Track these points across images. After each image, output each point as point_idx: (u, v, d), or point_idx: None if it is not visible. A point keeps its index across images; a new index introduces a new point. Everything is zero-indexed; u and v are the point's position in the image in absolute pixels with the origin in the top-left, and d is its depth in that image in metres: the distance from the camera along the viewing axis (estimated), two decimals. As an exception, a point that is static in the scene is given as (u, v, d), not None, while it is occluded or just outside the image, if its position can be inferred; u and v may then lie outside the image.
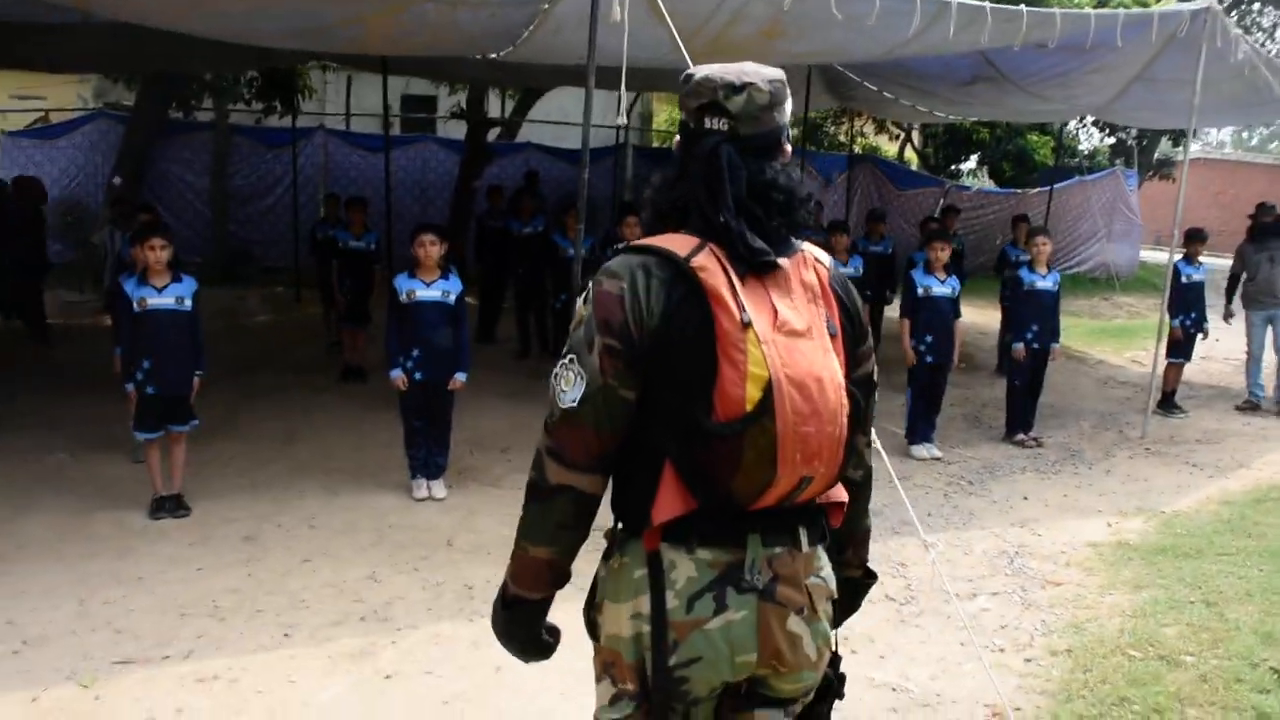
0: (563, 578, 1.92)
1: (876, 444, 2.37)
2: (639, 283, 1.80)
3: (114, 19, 5.96)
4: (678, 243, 1.83)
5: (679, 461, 1.80)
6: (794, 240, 1.91)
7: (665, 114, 22.81)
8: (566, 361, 1.83)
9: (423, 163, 15.58)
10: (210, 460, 6.28)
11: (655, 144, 20.69)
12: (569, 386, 1.81)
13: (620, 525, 1.91)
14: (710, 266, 1.79)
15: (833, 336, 1.87)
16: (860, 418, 1.94)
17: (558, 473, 1.82)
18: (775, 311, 1.80)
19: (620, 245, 1.95)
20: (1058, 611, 4.59)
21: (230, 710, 3.52)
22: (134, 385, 5.40)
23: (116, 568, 4.74)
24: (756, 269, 1.82)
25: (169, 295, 5.44)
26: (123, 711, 3.48)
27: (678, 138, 1.97)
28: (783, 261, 1.85)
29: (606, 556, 1.94)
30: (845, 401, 1.84)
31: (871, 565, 2.22)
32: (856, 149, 18.97)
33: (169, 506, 5.48)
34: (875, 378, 2.06)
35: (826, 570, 1.95)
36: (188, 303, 5.50)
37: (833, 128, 20.07)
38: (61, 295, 11.25)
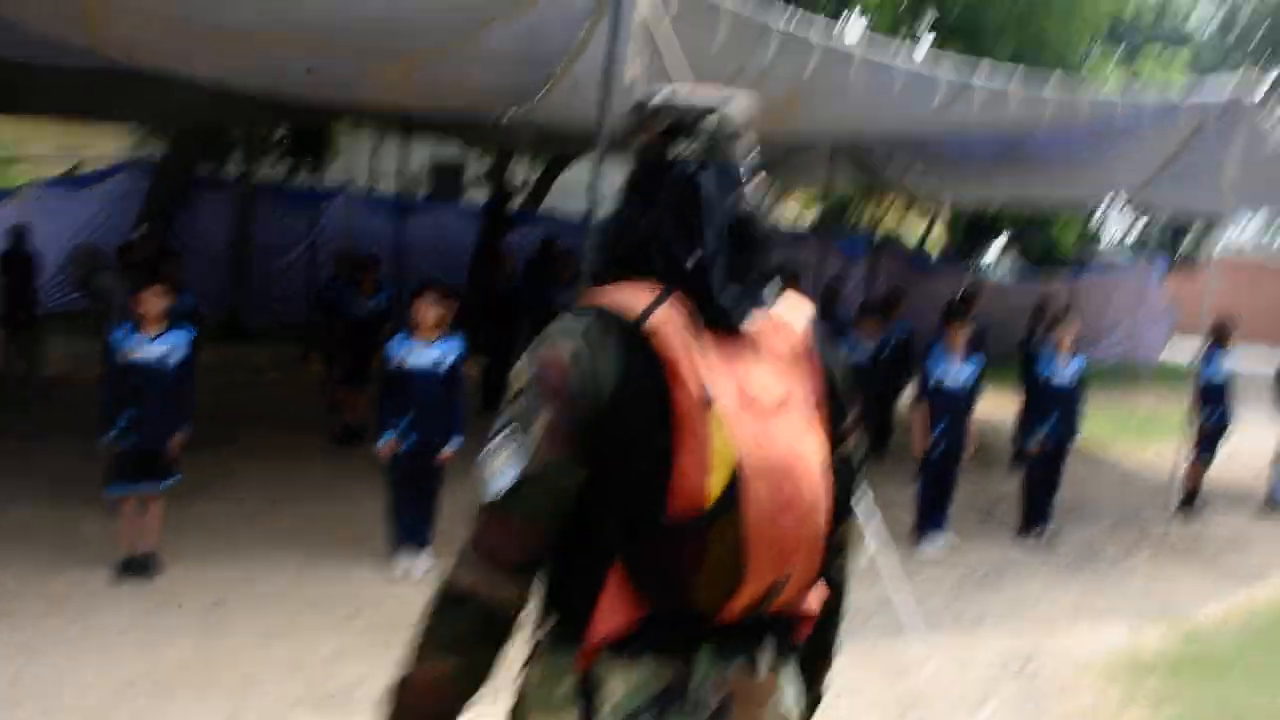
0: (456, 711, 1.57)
1: (882, 533, 2.17)
2: (586, 349, 1.51)
3: (118, 60, 5.89)
4: (634, 295, 1.53)
5: (629, 561, 1.50)
6: (768, 288, 1.63)
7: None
8: (501, 437, 1.53)
9: (442, 229, 15.55)
10: (191, 519, 6.03)
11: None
12: (502, 466, 1.52)
13: (549, 626, 1.60)
14: (668, 327, 1.49)
15: (814, 407, 1.59)
16: (844, 504, 1.67)
17: (474, 575, 1.51)
18: (744, 382, 1.51)
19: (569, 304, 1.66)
20: (1071, 728, 4.24)
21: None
22: (111, 438, 5.20)
23: (69, 631, 4.49)
24: (726, 327, 1.54)
25: (160, 345, 5.27)
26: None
27: (630, 172, 1.65)
28: (758, 315, 1.58)
29: (529, 660, 1.63)
30: (827, 488, 1.56)
31: (873, 665, 1.91)
32: (879, 232, 18.88)
33: (137, 567, 5.23)
34: (861, 458, 1.76)
35: (792, 695, 1.63)
36: (179, 354, 5.32)
37: (860, 208, 20.03)
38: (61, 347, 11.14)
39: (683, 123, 1.60)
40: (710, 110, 1.61)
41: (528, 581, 1.53)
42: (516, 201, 15.93)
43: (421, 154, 19.57)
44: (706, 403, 1.46)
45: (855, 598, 5.14)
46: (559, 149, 13.16)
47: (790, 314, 1.63)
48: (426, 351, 5.59)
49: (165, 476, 5.32)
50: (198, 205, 14.18)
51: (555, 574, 1.60)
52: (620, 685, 1.51)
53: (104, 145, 18.11)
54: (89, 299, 11.44)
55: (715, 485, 1.46)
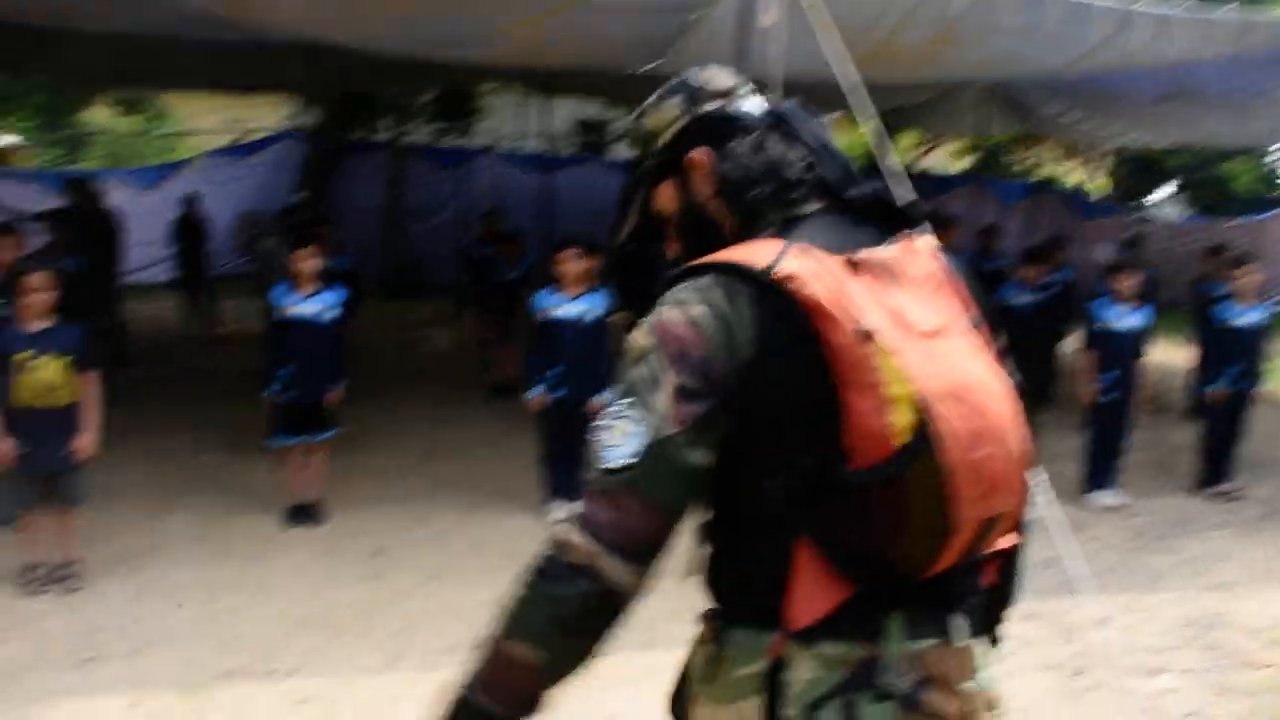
0: (538, 703, 1.41)
1: (1047, 486, 2.01)
2: (720, 305, 1.38)
3: (261, 30, 6.06)
4: (752, 250, 1.42)
5: (817, 533, 1.36)
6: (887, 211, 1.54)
7: (842, 141, 22.30)
8: (618, 408, 1.38)
9: (588, 184, 15.62)
10: (352, 470, 6.25)
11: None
12: (619, 439, 1.36)
13: (723, 610, 1.47)
14: (803, 270, 1.36)
15: (974, 331, 1.45)
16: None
17: (584, 547, 1.33)
18: (897, 310, 1.37)
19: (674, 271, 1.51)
20: (1262, 700, 3.95)
21: (325, 735, 3.37)
22: (273, 392, 5.41)
23: (242, 574, 4.72)
24: (860, 254, 1.41)
25: (314, 303, 5.44)
26: (218, 727, 3.38)
27: (696, 154, 1.56)
28: (887, 243, 1.46)
29: (702, 641, 1.51)
30: (1016, 410, 1.41)
31: (1041, 623, 1.75)
32: (1036, 177, 18.03)
33: (304, 515, 5.46)
34: (1020, 389, 1.56)
35: (990, 669, 1.49)
36: (332, 312, 5.48)
37: (1014, 153, 19.16)
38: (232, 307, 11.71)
39: (735, 86, 1.60)
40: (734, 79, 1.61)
41: (644, 568, 1.36)
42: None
43: (566, 112, 19.70)
44: (865, 336, 1.33)
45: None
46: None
47: (918, 243, 1.50)
48: (572, 304, 5.60)
49: (324, 428, 5.51)
50: (352, 169, 14.65)
51: (730, 555, 1.47)
52: (803, 670, 1.38)
53: (266, 116, 18.90)
54: (253, 261, 12.01)
55: (901, 421, 1.31)
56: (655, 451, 1.33)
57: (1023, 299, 7.51)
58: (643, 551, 1.35)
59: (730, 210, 1.54)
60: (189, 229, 11.39)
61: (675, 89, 1.60)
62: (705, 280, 1.41)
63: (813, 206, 1.51)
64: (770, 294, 1.36)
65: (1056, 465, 7.05)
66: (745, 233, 1.50)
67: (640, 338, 1.41)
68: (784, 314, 1.35)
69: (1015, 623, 4.34)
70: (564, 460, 5.75)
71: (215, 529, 5.28)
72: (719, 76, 1.60)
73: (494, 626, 1.40)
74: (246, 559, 4.89)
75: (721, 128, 1.56)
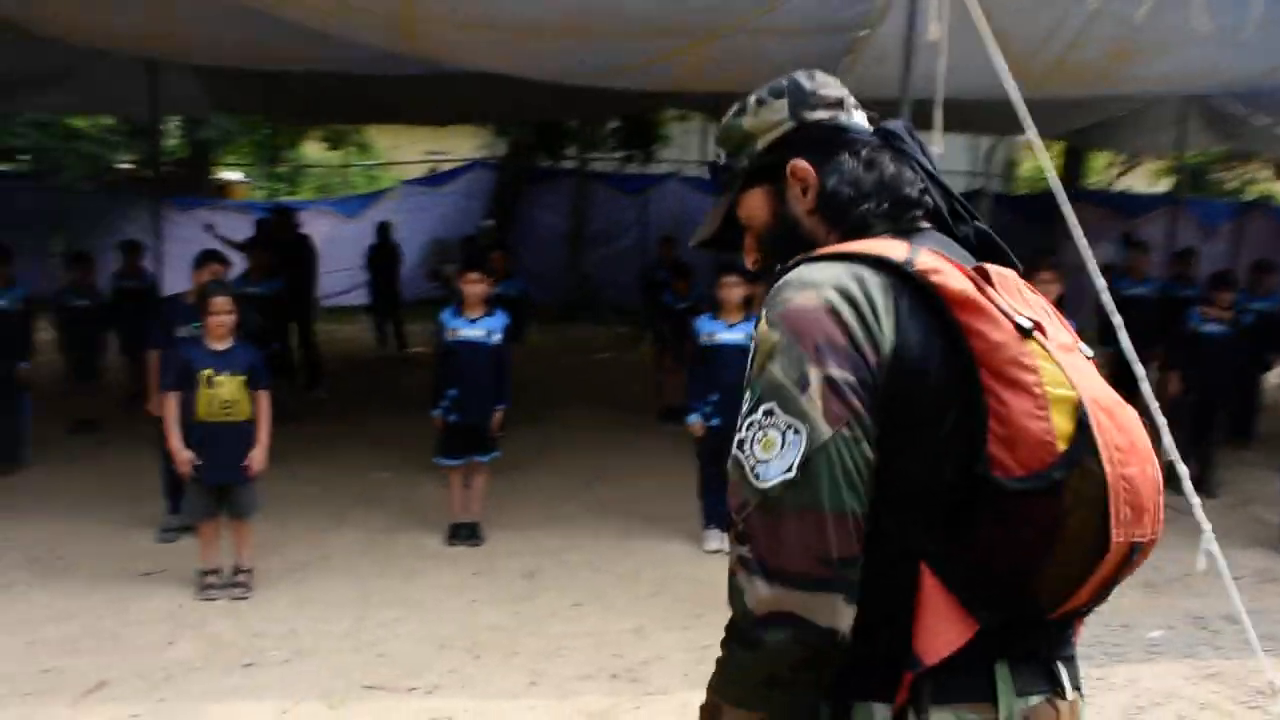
0: None
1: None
2: (856, 291, 1.25)
3: (438, 62, 6.31)
4: (881, 244, 1.32)
5: (947, 560, 1.23)
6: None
7: (1033, 161, 21.34)
8: (759, 418, 1.22)
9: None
10: (514, 492, 6.38)
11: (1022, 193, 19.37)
12: (771, 452, 1.20)
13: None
14: (942, 267, 1.26)
15: (1088, 358, 1.33)
16: None
17: (765, 592, 1.19)
18: (1033, 318, 1.27)
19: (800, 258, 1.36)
20: None
21: (453, 756, 3.40)
22: (439, 412, 5.58)
23: (400, 590, 4.86)
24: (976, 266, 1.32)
25: (479, 328, 5.58)
26: (355, 740, 3.47)
27: (799, 164, 1.45)
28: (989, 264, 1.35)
29: None
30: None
31: (1222, 685, 1.56)
32: (1249, 195, 16.66)
33: (464, 534, 5.59)
34: None
35: None
36: (496, 336, 5.60)
37: (1222, 171, 17.81)
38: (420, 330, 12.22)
39: (844, 98, 1.50)
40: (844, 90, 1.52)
41: (842, 588, 1.20)
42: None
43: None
44: (1024, 331, 1.22)
45: (1193, 605, 4.45)
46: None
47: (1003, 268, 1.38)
48: (731, 332, 5.53)
49: (487, 450, 5.63)
50: (538, 196, 15.09)
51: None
52: None
53: (462, 147, 19.78)
54: (439, 287, 12.52)
55: (1062, 425, 1.20)
56: (819, 458, 1.18)
57: (1212, 328, 6.92)
58: (836, 572, 1.19)
59: (832, 225, 1.43)
60: (382, 255, 11.98)
61: (781, 91, 1.48)
62: (835, 267, 1.28)
63: (925, 225, 1.43)
64: (911, 286, 1.26)
65: (1253, 509, 6.46)
66: (835, 221, 1.44)
67: (770, 333, 1.25)
68: (925, 308, 1.25)
69: (1193, 682, 3.97)
70: (718, 488, 5.68)
71: (379, 544, 5.48)
72: (830, 84, 1.50)
73: (712, 692, 1.31)
74: (404, 575, 5.05)
75: (830, 139, 1.45)
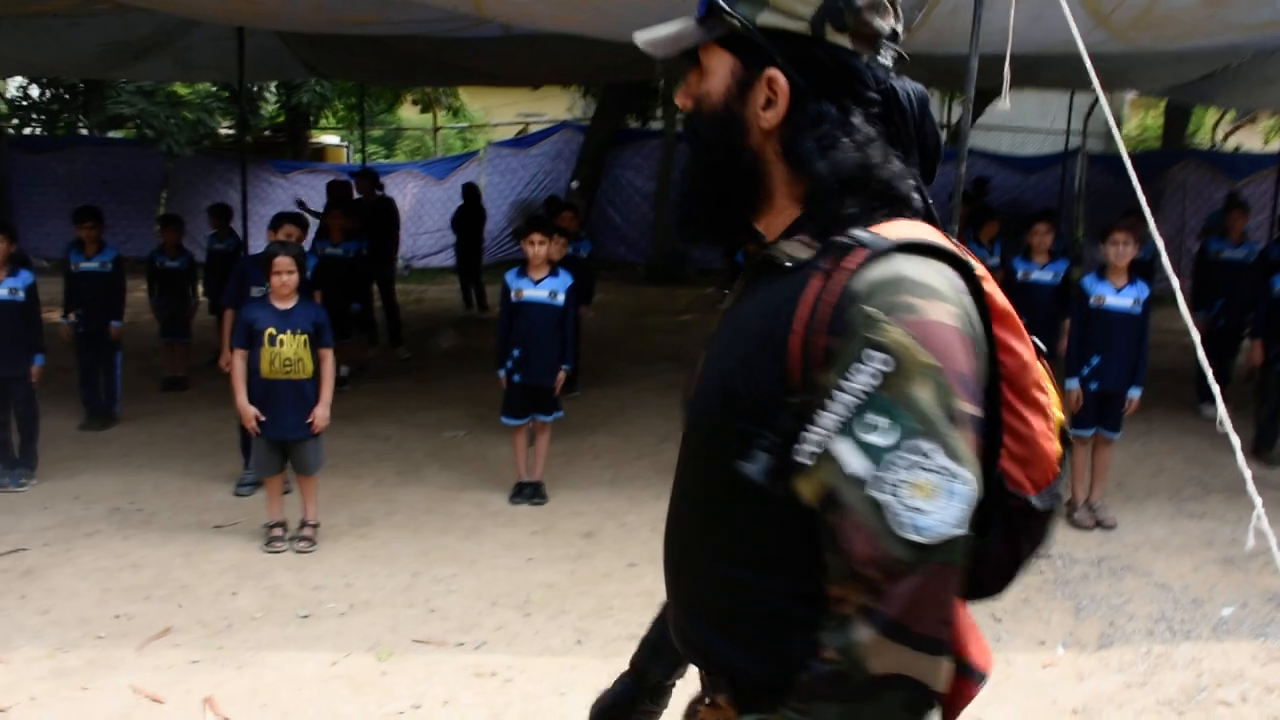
0: None
1: None
2: (968, 306, 1.12)
3: (502, 21, 6.28)
4: (931, 232, 1.18)
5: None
6: None
7: (1138, 120, 20.47)
8: (910, 456, 1.02)
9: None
10: (582, 452, 6.43)
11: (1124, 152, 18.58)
12: (932, 502, 1.02)
13: None
14: (985, 273, 1.17)
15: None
16: None
17: (891, 656, 1.03)
18: None
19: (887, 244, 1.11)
20: None
21: (491, 710, 3.45)
22: (504, 372, 5.63)
23: (459, 546, 4.94)
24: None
25: (543, 288, 5.60)
26: (398, 691, 3.55)
27: (781, 77, 1.19)
28: None
29: None
30: None
31: None
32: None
33: (528, 493, 5.65)
34: None
35: None
36: (560, 297, 5.61)
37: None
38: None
39: (895, 30, 1.22)
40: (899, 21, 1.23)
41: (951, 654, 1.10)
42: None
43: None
44: (1040, 350, 1.23)
45: (1271, 583, 4.22)
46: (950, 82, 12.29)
47: None
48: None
49: (550, 411, 5.66)
50: (625, 157, 15.05)
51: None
52: None
53: (553, 108, 19.85)
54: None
55: (1059, 449, 1.25)
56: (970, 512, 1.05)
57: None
58: (950, 634, 1.08)
59: (794, 175, 1.21)
60: (468, 217, 12.12)
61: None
62: (940, 269, 1.12)
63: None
64: (977, 288, 1.15)
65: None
66: (816, 203, 1.20)
67: (910, 345, 1.04)
68: (982, 315, 1.15)
69: (1261, 663, 3.79)
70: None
71: (444, 502, 5.57)
72: (880, 18, 1.20)
73: None
74: (465, 532, 5.13)
75: (835, 75, 1.19)
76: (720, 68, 1.23)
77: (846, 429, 1.04)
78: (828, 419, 1.06)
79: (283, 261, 4.74)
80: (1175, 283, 3.42)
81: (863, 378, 1.04)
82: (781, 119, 1.20)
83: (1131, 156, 14.65)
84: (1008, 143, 16.45)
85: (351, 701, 3.48)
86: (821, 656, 1.06)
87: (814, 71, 1.19)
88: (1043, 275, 6.46)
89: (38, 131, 16.25)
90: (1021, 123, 16.24)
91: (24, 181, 14.29)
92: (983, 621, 4.22)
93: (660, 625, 1.55)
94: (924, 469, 1.02)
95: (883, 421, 1.03)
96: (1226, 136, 19.54)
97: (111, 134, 16.46)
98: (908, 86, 1.24)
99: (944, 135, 9.63)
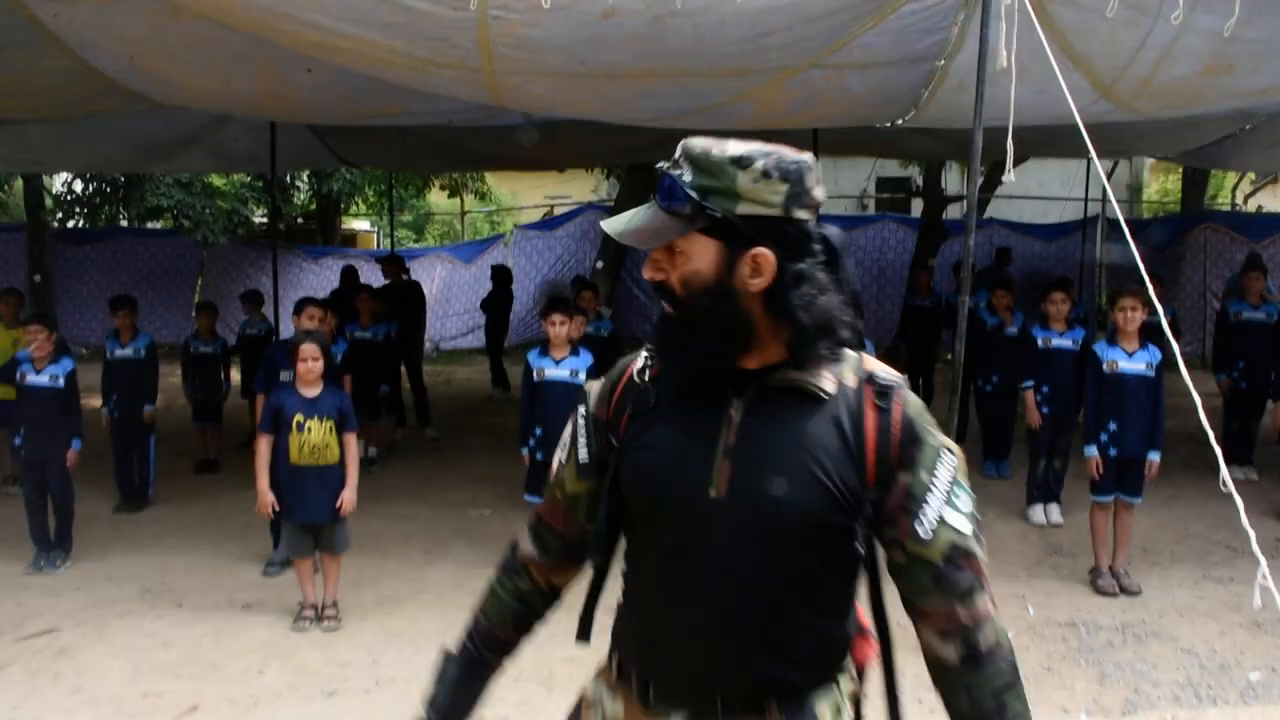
0: None
1: None
2: None
3: (519, 109, 6.51)
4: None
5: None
6: None
7: (1158, 184, 20.56)
8: (966, 492, 1.63)
9: (881, 242, 15.37)
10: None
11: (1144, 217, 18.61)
12: (972, 510, 1.66)
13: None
14: None
15: None
16: None
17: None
18: None
19: None
20: None
21: (513, 785, 3.49)
22: (527, 450, 5.73)
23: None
24: None
25: (564, 368, 5.73)
26: (421, 766, 3.59)
27: (765, 254, 1.51)
28: None
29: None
30: None
31: None
32: None
33: (552, 568, 5.69)
34: None
35: None
36: (581, 376, 5.73)
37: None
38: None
39: (806, 189, 1.54)
40: (810, 167, 1.55)
41: None
42: (957, 210, 15.35)
43: (865, 170, 19.56)
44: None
45: None
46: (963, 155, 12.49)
47: None
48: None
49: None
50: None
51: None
52: None
53: (578, 190, 20.26)
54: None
55: None
56: None
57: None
58: None
59: (777, 326, 1.54)
60: (498, 299, 12.31)
61: (787, 175, 1.49)
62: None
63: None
64: None
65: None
66: (799, 349, 1.55)
67: (954, 448, 1.61)
68: None
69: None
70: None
71: (471, 578, 5.61)
72: (819, 187, 1.54)
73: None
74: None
75: (800, 243, 1.53)
76: (705, 250, 1.52)
77: (950, 504, 1.55)
78: (935, 499, 1.54)
79: (308, 349, 4.90)
80: (1175, 347, 3.46)
81: (948, 470, 1.56)
82: (768, 284, 1.52)
83: (1151, 221, 14.97)
84: (1030, 211, 16.57)
85: (375, 777, 3.53)
86: (988, 649, 1.55)
87: (787, 242, 1.52)
88: (1063, 342, 6.52)
89: (80, 224, 16.79)
90: (1043, 191, 16.40)
91: (67, 272, 14.72)
92: (1005, 690, 4.22)
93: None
94: (968, 497, 1.59)
95: (965, 496, 1.57)
96: (1247, 198, 19.59)
97: (149, 225, 16.98)
98: (831, 232, 1.58)
99: (960, 206, 9.82)
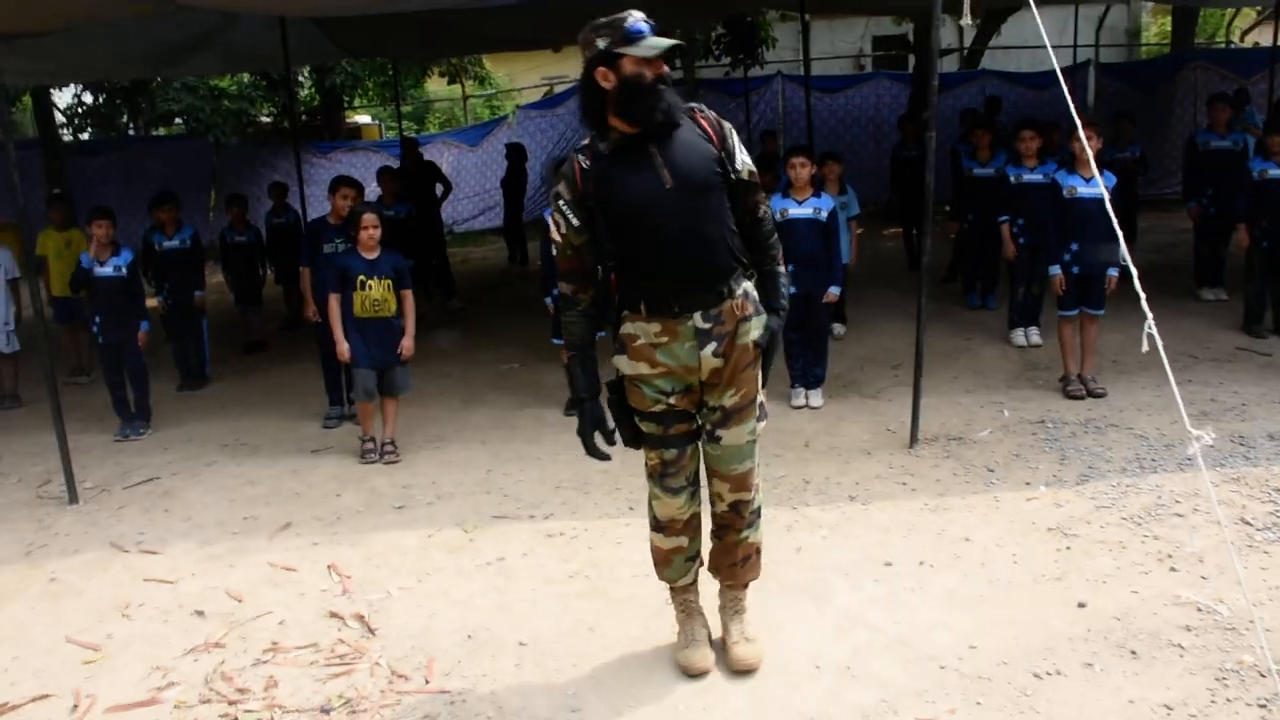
0: None
1: None
2: None
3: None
4: None
5: None
6: None
7: (1158, 26, 20.52)
8: None
9: (876, 99, 15.65)
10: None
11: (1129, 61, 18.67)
12: None
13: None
14: None
15: None
16: None
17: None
18: None
19: None
20: None
21: (561, 557, 4.21)
22: (550, 300, 6.34)
23: (523, 450, 5.70)
24: None
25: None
26: (485, 549, 4.33)
27: None
28: None
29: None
30: None
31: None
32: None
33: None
34: None
35: None
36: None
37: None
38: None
39: None
40: None
41: None
42: (951, 63, 15.58)
43: (860, 30, 19.63)
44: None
45: (1239, 427, 4.80)
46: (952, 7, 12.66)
47: None
48: (802, 206, 6.11)
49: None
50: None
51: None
52: None
53: (576, 68, 20.32)
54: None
55: None
56: None
57: (1274, 172, 7.01)
58: None
59: None
60: (514, 178, 12.75)
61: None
62: None
63: None
64: None
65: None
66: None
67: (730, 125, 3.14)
68: None
69: (1214, 486, 4.42)
70: (803, 350, 6.29)
71: (507, 419, 6.34)
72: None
73: None
74: (527, 440, 5.89)
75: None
76: None
77: (745, 153, 3.05)
78: (741, 153, 3.03)
79: (369, 218, 5.57)
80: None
81: (736, 137, 3.04)
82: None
83: (1143, 63, 15.20)
84: (1028, 62, 16.70)
85: (448, 560, 4.26)
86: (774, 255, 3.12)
87: None
88: (1034, 177, 7.03)
89: (91, 136, 17.17)
90: (1037, 40, 16.54)
91: (85, 184, 15.18)
92: (977, 471, 4.92)
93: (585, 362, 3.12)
94: None
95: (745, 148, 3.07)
96: (1244, 35, 19.61)
97: (160, 131, 17.34)
98: None
99: (954, 59, 10.25)
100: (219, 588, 4.12)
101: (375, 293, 5.58)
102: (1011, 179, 7.17)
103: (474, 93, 21.53)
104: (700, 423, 3.11)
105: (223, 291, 9.69)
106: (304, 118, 19.08)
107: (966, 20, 4.98)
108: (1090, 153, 5.69)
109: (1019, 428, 5.61)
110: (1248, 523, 4.16)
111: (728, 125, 3.01)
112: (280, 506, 5.04)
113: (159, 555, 4.52)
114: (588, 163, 2.92)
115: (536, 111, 16.52)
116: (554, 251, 3.04)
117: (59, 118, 16.58)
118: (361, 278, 5.57)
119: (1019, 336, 7.33)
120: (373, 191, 9.91)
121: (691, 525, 3.20)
